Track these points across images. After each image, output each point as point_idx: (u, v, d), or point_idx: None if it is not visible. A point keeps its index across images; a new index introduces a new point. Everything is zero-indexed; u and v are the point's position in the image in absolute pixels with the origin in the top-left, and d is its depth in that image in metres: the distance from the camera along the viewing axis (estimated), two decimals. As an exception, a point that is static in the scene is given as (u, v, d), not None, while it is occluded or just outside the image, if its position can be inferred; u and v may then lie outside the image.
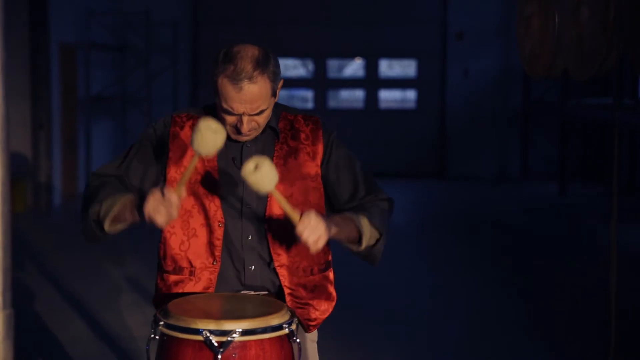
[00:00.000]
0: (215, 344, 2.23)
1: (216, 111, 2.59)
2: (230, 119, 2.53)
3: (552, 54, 4.91)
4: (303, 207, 2.59)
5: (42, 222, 10.64)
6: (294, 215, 2.42)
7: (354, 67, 16.19)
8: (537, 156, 15.38)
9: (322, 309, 2.67)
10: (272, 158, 2.61)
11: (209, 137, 2.34)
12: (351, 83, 16.27)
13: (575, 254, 8.93)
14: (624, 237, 8.70)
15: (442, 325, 6.27)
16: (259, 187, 2.38)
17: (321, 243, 2.42)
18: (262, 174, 2.35)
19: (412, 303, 6.90)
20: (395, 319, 6.44)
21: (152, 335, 2.36)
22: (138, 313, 6.28)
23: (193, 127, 2.61)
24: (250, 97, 2.47)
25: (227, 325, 2.25)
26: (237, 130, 2.53)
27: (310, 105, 15.94)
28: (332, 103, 16.06)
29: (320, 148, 2.66)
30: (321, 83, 15.85)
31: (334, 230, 2.49)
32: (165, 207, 2.35)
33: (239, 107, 2.49)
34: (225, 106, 2.50)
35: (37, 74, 11.16)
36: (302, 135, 2.66)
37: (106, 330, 5.88)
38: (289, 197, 2.59)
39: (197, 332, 2.25)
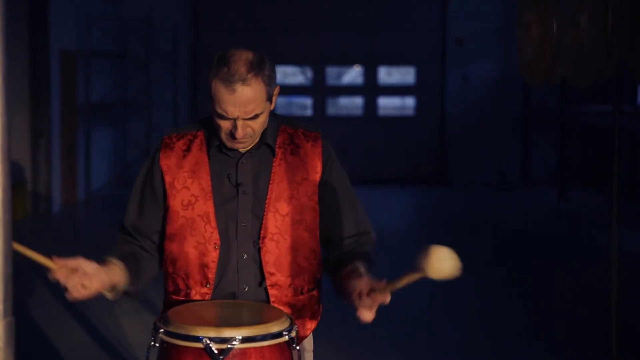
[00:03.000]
0: (215, 352, 2.23)
1: (212, 122, 2.55)
2: (224, 124, 2.47)
3: (551, 61, 4.92)
4: (298, 226, 2.56)
5: (41, 229, 10.63)
6: (386, 290, 2.35)
7: (353, 74, 16.21)
8: (537, 162, 15.39)
9: (305, 327, 2.62)
10: (269, 174, 2.56)
11: None
12: (350, 90, 16.28)
13: (575, 258, 8.94)
14: (624, 242, 8.70)
15: (442, 327, 6.29)
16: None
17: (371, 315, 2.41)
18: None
19: (412, 305, 6.91)
20: (395, 321, 6.45)
21: (152, 343, 2.35)
22: (138, 320, 6.28)
23: (183, 147, 2.58)
24: (244, 99, 2.42)
25: (227, 333, 2.25)
26: (232, 136, 2.47)
27: (309, 112, 15.95)
28: (331, 110, 16.07)
29: (319, 167, 2.60)
30: (320, 90, 15.86)
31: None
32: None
33: (232, 111, 2.43)
34: (219, 110, 2.45)
35: (37, 80, 11.16)
36: (302, 152, 2.60)
37: (106, 338, 5.89)
38: (285, 216, 2.54)
39: (197, 339, 2.25)
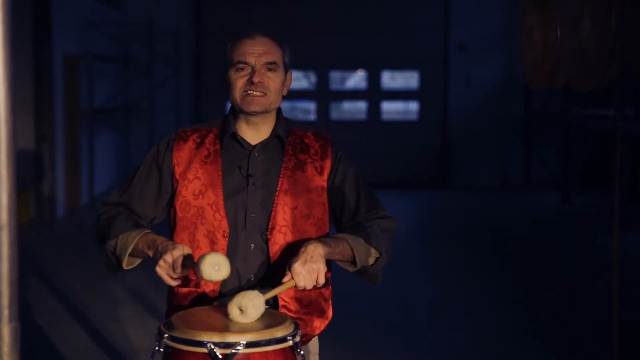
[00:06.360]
0: (220, 356, 2.24)
1: (226, 118, 2.65)
2: (241, 77, 2.60)
3: (554, 65, 4.92)
4: (306, 220, 2.62)
5: (46, 233, 10.65)
6: (289, 284, 2.43)
7: (357, 79, 16.22)
8: (539, 165, 15.39)
9: (314, 326, 2.65)
10: (279, 169, 2.64)
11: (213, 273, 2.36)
12: (354, 95, 16.28)
13: (577, 262, 8.94)
14: (626, 245, 8.71)
15: (443, 332, 6.28)
16: (253, 320, 2.37)
17: (321, 278, 2.43)
18: (249, 316, 2.34)
19: (413, 311, 6.91)
20: (395, 321, 6.45)
21: (157, 348, 2.36)
22: (141, 325, 6.29)
23: (197, 141, 2.66)
24: (262, 45, 2.61)
25: (231, 338, 2.26)
26: (250, 83, 2.58)
27: (312, 117, 15.95)
28: (334, 114, 16.08)
29: (328, 164, 2.69)
30: (324, 95, 15.87)
31: (326, 250, 2.48)
32: (173, 277, 2.42)
33: (250, 58, 2.59)
34: (238, 59, 2.60)
35: (40, 85, 11.18)
36: (312, 150, 2.69)
37: (110, 342, 5.89)
38: (294, 209, 2.61)
39: (202, 344, 2.25)
